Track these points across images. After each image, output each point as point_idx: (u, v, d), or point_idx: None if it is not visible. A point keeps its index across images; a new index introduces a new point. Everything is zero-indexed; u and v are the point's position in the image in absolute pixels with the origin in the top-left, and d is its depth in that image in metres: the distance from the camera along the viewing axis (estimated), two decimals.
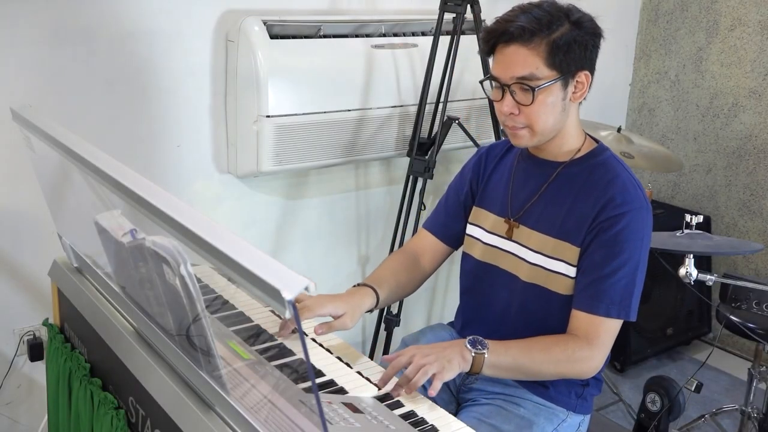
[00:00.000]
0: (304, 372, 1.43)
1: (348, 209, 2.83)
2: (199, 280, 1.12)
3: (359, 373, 1.47)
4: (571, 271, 1.56)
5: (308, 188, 2.70)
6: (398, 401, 1.37)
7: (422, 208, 2.57)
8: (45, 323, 1.79)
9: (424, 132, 2.61)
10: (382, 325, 2.68)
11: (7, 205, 2.15)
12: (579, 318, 1.53)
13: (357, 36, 2.49)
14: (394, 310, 2.65)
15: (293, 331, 1.57)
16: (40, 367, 2.23)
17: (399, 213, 2.66)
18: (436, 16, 2.49)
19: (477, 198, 1.76)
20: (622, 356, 3.21)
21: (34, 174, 1.68)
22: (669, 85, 3.56)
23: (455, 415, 1.45)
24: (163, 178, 2.36)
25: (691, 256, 2.17)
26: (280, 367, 1.44)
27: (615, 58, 3.59)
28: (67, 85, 2.15)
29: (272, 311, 1.69)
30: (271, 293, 0.83)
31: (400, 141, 2.66)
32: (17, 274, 2.21)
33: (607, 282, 1.50)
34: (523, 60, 1.47)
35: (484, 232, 1.71)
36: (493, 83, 1.54)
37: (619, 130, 2.73)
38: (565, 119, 1.56)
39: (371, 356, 2.73)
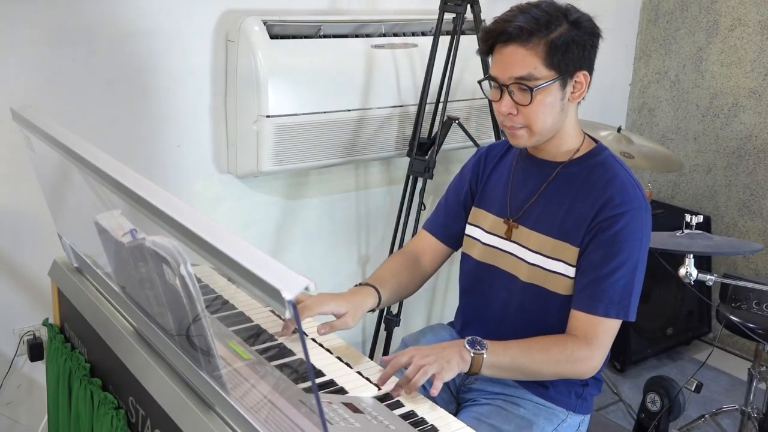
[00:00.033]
0: (304, 372, 1.43)
1: (348, 209, 2.83)
2: (199, 280, 1.12)
3: (359, 373, 1.47)
4: (570, 271, 1.56)
5: (308, 188, 2.70)
6: (398, 401, 1.37)
7: (422, 208, 2.57)
8: (45, 323, 1.79)
9: (424, 132, 2.61)
10: (382, 325, 2.68)
11: (7, 205, 2.15)
12: (578, 318, 1.53)
13: (357, 36, 2.49)
14: (394, 310, 2.65)
15: (294, 332, 1.57)
16: (40, 367, 2.23)
17: (399, 213, 2.66)
18: (436, 16, 2.49)
19: (476, 198, 1.76)
20: (622, 356, 3.21)
21: (34, 174, 1.68)
22: (669, 85, 3.56)
23: (455, 415, 1.45)
24: (163, 178, 2.36)
25: (691, 256, 2.17)
26: (280, 367, 1.44)
27: (615, 58, 3.59)
28: (67, 85, 2.15)
29: (272, 311, 1.69)
30: (271, 293, 0.83)
31: (400, 141, 2.66)
32: (17, 274, 2.21)
33: (606, 282, 1.51)
34: (521, 60, 1.47)
35: (483, 233, 1.71)
36: (492, 83, 1.54)
37: (619, 130, 2.73)
38: (564, 119, 1.56)
39: (371, 356, 2.73)
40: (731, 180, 3.37)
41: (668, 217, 3.33)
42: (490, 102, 1.60)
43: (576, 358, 1.51)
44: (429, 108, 2.58)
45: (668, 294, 3.27)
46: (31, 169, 1.69)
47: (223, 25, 2.36)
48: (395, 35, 2.60)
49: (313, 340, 1.60)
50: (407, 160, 2.63)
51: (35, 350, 2.25)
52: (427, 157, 2.57)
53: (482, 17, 2.50)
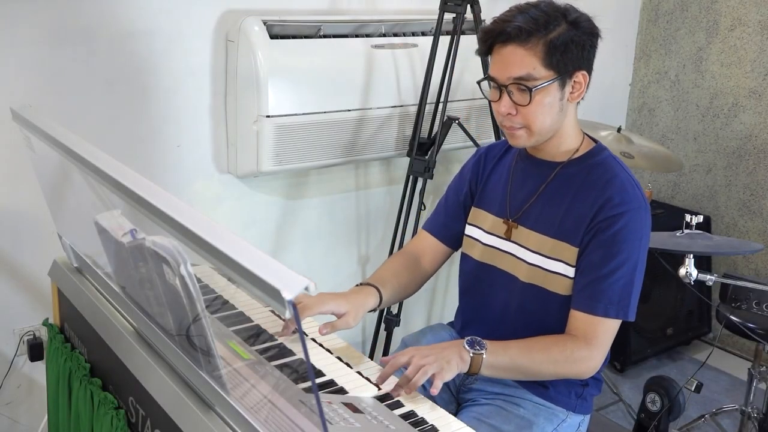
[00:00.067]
0: (304, 372, 1.43)
1: (348, 209, 2.83)
2: (199, 280, 1.12)
3: (359, 373, 1.47)
4: (570, 272, 1.56)
5: (308, 188, 2.70)
6: (398, 401, 1.37)
7: (422, 208, 2.57)
8: (45, 323, 1.79)
9: (424, 132, 2.61)
10: (382, 325, 2.68)
11: (7, 205, 2.15)
12: (577, 318, 1.53)
13: (357, 36, 2.49)
14: (394, 310, 2.65)
15: (294, 332, 1.57)
16: (40, 367, 2.23)
17: (399, 213, 2.66)
18: (436, 16, 2.49)
19: (476, 198, 1.75)
20: (622, 356, 3.21)
21: (34, 174, 1.68)
22: (669, 85, 3.56)
23: (455, 415, 1.45)
24: (163, 178, 2.36)
25: (691, 256, 2.17)
26: (280, 367, 1.44)
27: (615, 58, 3.59)
28: (67, 85, 2.15)
29: (272, 311, 1.69)
30: (271, 293, 0.83)
31: (400, 141, 2.66)
32: (17, 274, 2.21)
33: (605, 282, 1.50)
34: (520, 60, 1.47)
35: (482, 233, 1.71)
36: (491, 83, 1.54)
37: (619, 130, 2.73)
38: (563, 119, 1.56)
39: (371, 356, 2.73)
40: (731, 180, 3.37)
41: (668, 217, 3.33)
42: (489, 102, 1.60)
43: (575, 358, 1.51)
44: (429, 108, 2.58)
45: (668, 294, 3.27)
46: (31, 169, 1.69)
47: (223, 25, 2.36)
48: (395, 35, 2.60)
49: (313, 340, 1.60)
50: (407, 160, 2.63)
51: (35, 350, 2.25)
52: (427, 157, 2.57)
53: (482, 17, 2.50)
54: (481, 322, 1.72)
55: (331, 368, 1.48)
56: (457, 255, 1.82)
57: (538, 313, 1.61)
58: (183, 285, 1.05)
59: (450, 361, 1.41)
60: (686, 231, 2.31)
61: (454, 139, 2.67)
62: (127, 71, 2.24)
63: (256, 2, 2.40)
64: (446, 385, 1.62)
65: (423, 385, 1.39)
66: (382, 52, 2.52)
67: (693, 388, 2.43)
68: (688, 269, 2.17)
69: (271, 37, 2.29)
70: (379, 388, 1.41)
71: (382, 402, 1.36)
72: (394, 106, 2.60)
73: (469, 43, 2.54)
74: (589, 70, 1.54)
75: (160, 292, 1.17)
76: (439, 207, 1.84)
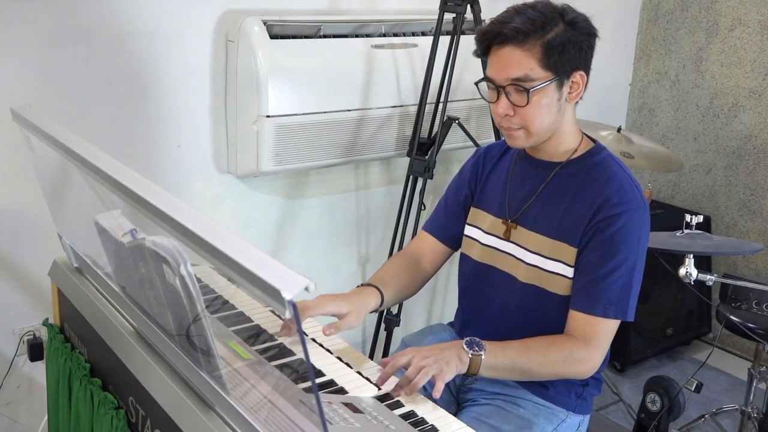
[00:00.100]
0: (304, 372, 1.43)
1: (348, 209, 2.83)
2: (199, 280, 1.12)
3: (359, 373, 1.47)
4: (569, 272, 1.56)
5: (308, 188, 2.70)
6: (398, 401, 1.37)
7: (422, 208, 2.57)
8: (45, 323, 1.79)
9: (424, 132, 2.61)
10: (382, 325, 2.68)
11: (7, 205, 2.15)
12: (576, 318, 1.53)
13: (357, 36, 2.49)
14: (394, 310, 2.65)
15: (294, 332, 1.57)
16: (40, 367, 2.23)
17: (399, 213, 2.66)
18: (436, 16, 2.49)
19: (475, 199, 1.75)
20: (622, 356, 3.21)
21: (34, 174, 1.68)
22: (669, 85, 3.56)
23: (455, 415, 1.45)
24: (163, 178, 2.36)
25: (691, 256, 2.17)
26: (280, 367, 1.44)
27: (615, 58, 3.59)
28: (67, 85, 2.15)
29: (272, 311, 1.69)
30: (271, 293, 0.83)
31: (400, 141, 2.66)
32: (17, 274, 2.21)
33: (604, 282, 1.50)
34: (517, 61, 1.47)
35: (482, 233, 1.71)
36: (489, 84, 1.54)
37: (619, 130, 2.73)
38: (561, 120, 1.56)
39: (371, 356, 2.73)
40: (731, 180, 3.37)
41: (668, 217, 3.33)
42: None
43: (574, 358, 1.51)
44: (429, 108, 2.58)
45: (668, 294, 3.27)
46: (31, 169, 1.69)
47: (223, 25, 2.36)
48: (395, 35, 2.60)
49: (313, 340, 1.60)
50: (407, 160, 2.63)
51: (35, 350, 2.25)
52: (427, 157, 2.57)
53: (482, 17, 2.50)
54: (480, 322, 1.72)
55: (331, 368, 1.48)
56: (457, 255, 1.82)
57: (538, 314, 1.61)
58: (183, 285, 1.05)
59: (449, 362, 1.41)
60: (686, 231, 2.31)
61: (454, 139, 2.67)
62: (127, 71, 2.24)
63: (256, 2, 2.40)
64: (446, 385, 1.61)
65: (424, 386, 1.39)
66: (382, 52, 2.52)
67: (693, 388, 2.43)
68: (688, 269, 2.17)
69: (271, 37, 2.29)
70: (379, 388, 1.41)
71: (382, 402, 1.36)
72: (394, 106, 2.60)
73: (469, 43, 2.52)
74: (587, 71, 1.54)
75: (160, 292, 1.17)
76: (439, 207, 1.84)
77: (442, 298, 3.16)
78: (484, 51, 1.53)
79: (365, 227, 2.90)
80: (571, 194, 1.57)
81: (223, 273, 1.19)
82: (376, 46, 2.51)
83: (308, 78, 2.37)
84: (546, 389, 1.63)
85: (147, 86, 2.28)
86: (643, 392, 2.41)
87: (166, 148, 2.37)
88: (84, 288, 1.60)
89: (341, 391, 1.40)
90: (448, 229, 1.79)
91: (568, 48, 1.47)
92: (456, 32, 2.46)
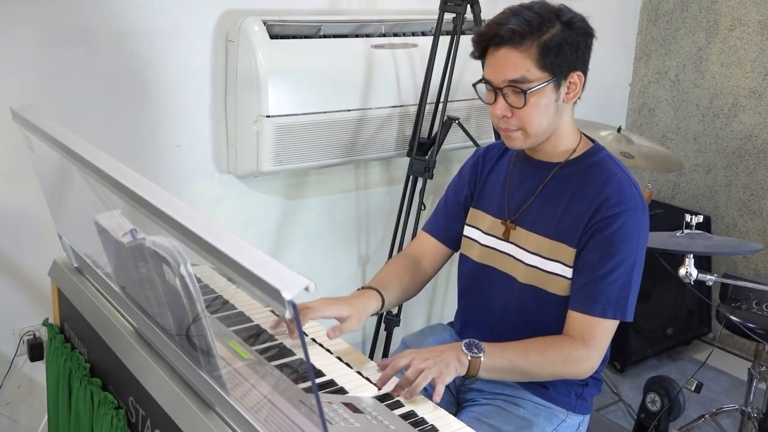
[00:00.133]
0: (304, 372, 1.43)
1: (348, 209, 2.83)
2: (199, 280, 1.12)
3: (359, 373, 1.47)
4: (568, 272, 1.56)
5: (308, 188, 2.70)
6: (398, 401, 1.37)
7: (422, 208, 2.57)
8: (45, 323, 1.79)
9: (424, 132, 2.61)
10: (382, 326, 2.68)
11: (7, 205, 2.15)
12: (575, 319, 1.53)
13: (357, 36, 2.49)
14: (394, 310, 2.65)
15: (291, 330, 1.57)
16: (40, 367, 2.23)
17: (399, 213, 2.66)
18: (436, 16, 2.49)
19: (474, 199, 1.75)
20: (622, 356, 3.21)
21: (34, 174, 1.68)
22: (669, 85, 3.56)
23: (455, 415, 1.45)
24: (163, 178, 2.36)
25: (691, 256, 2.17)
26: (280, 367, 1.44)
27: (615, 58, 3.59)
28: (67, 85, 2.15)
29: (272, 311, 1.69)
30: (271, 293, 0.83)
31: (400, 141, 2.66)
32: (17, 274, 2.21)
33: (603, 282, 1.50)
34: (514, 63, 1.47)
35: (481, 234, 1.71)
36: (486, 86, 1.54)
37: (619, 130, 2.73)
38: (559, 120, 1.56)
39: (371, 356, 2.73)
40: (731, 180, 3.37)
41: (668, 217, 3.33)
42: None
43: (573, 359, 1.51)
44: (429, 108, 2.58)
45: (668, 294, 3.27)
46: (31, 169, 1.69)
47: (223, 25, 2.36)
48: (395, 35, 2.60)
49: (313, 340, 1.60)
50: (407, 160, 2.63)
51: (35, 350, 2.25)
52: (427, 157, 2.57)
53: (482, 17, 2.50)
54: (480, 322, 1.72)
55: (331, 368, 1.48)
56: (457, 255, 1.82)
57: (537, 314, 1.61)
58: (183, 285, 1.05)
59: (449, 364, 1.41)
60: (686, 231, 2.31)
61: (454, 139, 2.67)
62: (127, 71, 2.24)
63: (256, 2, 2.40)
64: (446, 385, 1.62)
65: (425, 388, 1.39)
66: (382, 52, 2.52)
67: (693, 388, 2.43)
68: (688, 269, 2.17)
69: (271, 37, 2.28)
70: (379, 388, 1.41)
71: (382, 402, 1.36)
72: (394, 106, 2.60)
73: (469, 43, 2.53)
74: (585, 71, 1.54)
75: (160, 292, 1.17)
76: (439, 208, 1.84)
77: (442, 298, 3.16)
78: (480, 53, 1.53)
79: (365, 227, 2.90)
80: (569, 195, 1.57)
81: (223, 273, 1.19)
82: (376, 46, 2.51)
83: (308, 78, 2.37)
84: (546, 389, 1.63)
85: (147, 86, 2.28)
86: (643, 392, 2.41)
87: (166, 148, 2.37)
88: (84, 288, 1.60)
89: (341, 391, 1.40)
90: (449, 229, 1.79)
91: (565, 48, 1.47)
92: (456, 32, 2.46)
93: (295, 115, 2.35)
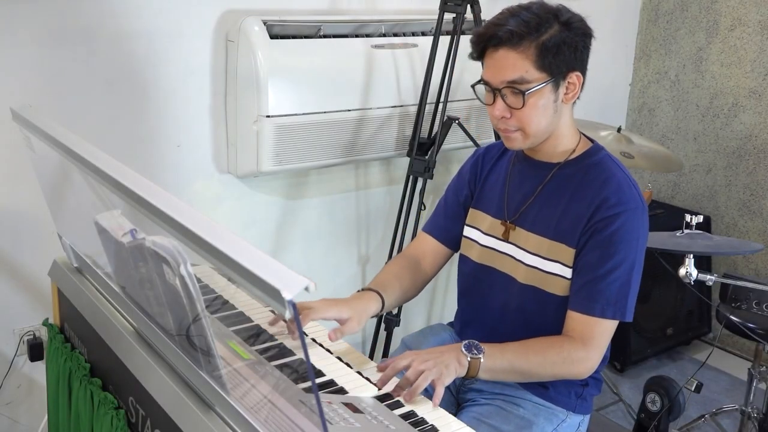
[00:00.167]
0: (304, 372, 1.43)
1: (348, 209, 2.83)
2: (199, 280, 1.12)
3: (359, 373, 1.47)
4: (567, 273, 1.56)
5: (308, 188, 2.70)
6: (398, 401, 1.37)
7: (422, 208, 2.57)
8: (45, 323, 1.79)
9: (424, 132, 2.61)
10: (382, 326, 2.68)
11: (7, 205, 2.15)
12: (574, 319, 1.53)
13: (357, 36, 2.49)
14: (394, 310, 2.65)
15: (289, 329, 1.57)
16: (40, 367, 2.23)
17: (399, 213, 2.66)
18: (436, 16, 2.49)
19: (474, 200, 1.75)
20: (622, 356, 3.21)
21: (34, 174, 1.68)
22: (669, 85, 3.56)
23: (455, 415, 1.45)
24: (163, 178, 2.36)
25: (691, 256, 2.17)
26: (280, 367, 1.44)
27: (615, 58, 3.59)
28: (67, 85, 2.15)
29: (272, 311, 1.69)
30: (271, 293, 0.83)
31: (400, 141, 2.66)
32: (17, 274, 2.21)
33: (602, 283, 1.50)
34: (512, 64, 1.47)
35: (480, 234, 1.71)
36: (485, 87, 1.54)
37: (619, 130, 2.73)
38: (558, 120, 1.56)
39: (371, 356, 2.73)
40: (731, 180, 3.37)
41: (668, 217, 3.33)
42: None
43: (573, 359, 1.51)
44: (429, 108, 2.58)
45: (668, 294, 3.27)
46: (31, 169, 1.69)
47: (223, 25, 2.36)
48: (395, 35, 2.60)
49: (313, 340, 1.60)
50: (407, 160, 2.63)
51: (35, 350, 2.25)
52: (427, 157, 2.57)
53: (482, 17, 2.50)
54: (480, 323, 1.72)
55: (331, 368, 1.48)
56: (457, 255, 1.82)
57: (537, 314, 1.61)
58: (183, 285, 1.05)
59: (449, 366, 1.41)
60: (686, 231, 2.31)
61: (454, 139, 2.67)
62: (127, 71, 2.24)
63: (256, 2, 2.40)
64: (446, 385, 1.62)
65: (426, 389, 1.39)
66: (382, 52, 2.52)
67: (693, 388, 2.43)
68: (688, 269, 2.17)
69: (271, 37, 2.29)
70: (379, 389, 1.41)
71: (382, 402, 1.36)
72: (394, 106, 2.60)
73: (469, 43, 2.54)
74: (583, 71, 1.54)
75: (160, 292, 1.17)
76: (439, 209, 1.84)
77: (442, 299, 3.16)
78: (479, 54, 1.53)
79: (365, 227, 2.90)
80: (569, 195, 1.57)
81: (223, 273, 1.19)
82: (376, 46, 2.51)
83: (308, 78, 2.37)
84: (546, 389, 1.63)
85: (147, 86, 2.28)
86: (643, 392, 2.41)
87: (166, 148, 2.37)
88: (84, 288, 1.60)
89: (341, 391, 1.40)
90: (449, 230, 1.79)
91: (563, 49, 1.47)
92: (456, 32, 2.46)
93: (295, 115, 2.35)
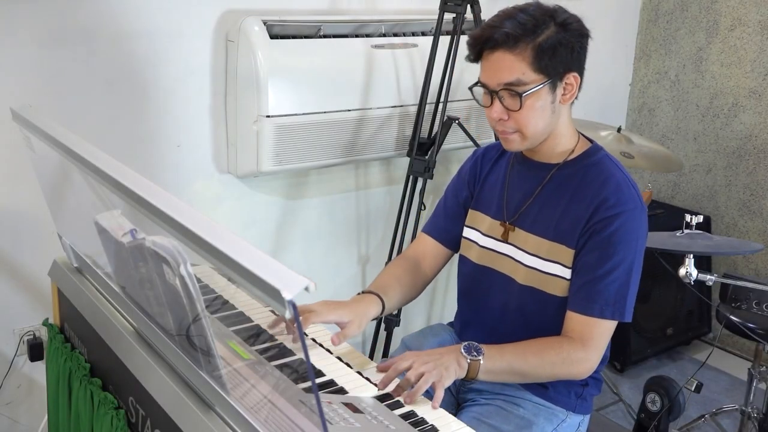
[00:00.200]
0: (304, 372, 1.43)
1: (348, 209, 2.83)
2: (199, 280, 1.12)
3: (359, 373, 1.47)
4: (567, 273, 1.55)
5: (308, 188, 2.70)
6: (398, 401, 1.37)
7: (422, 208, 2.57)
8: (45, 323, 1.79)
9: (424, 132, 2.61)
10: (382, 326, 2.68)
11: (7, 205, 2.15)
12: (573, 319, 1.53)
13: (357, 36, 2.49)
14: (394, 310, 2.65)
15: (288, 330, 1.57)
16: (40, 367, 2.23)
17: (399, 213, 2.66)
18: (436, 16, 2.49)
19: (473, 200, 1.75)
20: (622, 356, 3.21)
21: (34, 174, 1.68)
22: (669, 85, 3.56)
23: (455, 415, 1.45)
24: (163, 178, 2.36)
25: (691, 256, 2.17)
26: (280, 367, 1.44)
27: (615, 58, 3.59)
28: (67, 85, 2.15)
29: (272, 311, 1.69)
30: (271, 293, 0.83)
31: (400, 141, 2.66)
32: (17, 274, 2.21)
33: (601, 283, 1.50)
34: (509, 66, 1.47)
35: (480, 235, 1.71)
36: (483, 89, 1.54)
37: (619, 130, 2.73)
38: (556, 121, 1.55)
39: (371, 356, 2.73)
40: (731, 180, 3.37)
41: (668, 217, 3.33)
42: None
43: (572, 360, 1.51)
44: (429, 108, 2.58)
45: (668, 294, 3.27)
46: (31, 169, 1.69)
47: (223, 25, 2.36)
48: (395, 35, 2.60)
49: (313, 340, 1.60)
50: (407, 160, 2.63)
51: (35, 350, 2.25)
52: (427, 157, 2.57)
53: (482, 17, 2.50)
54: (480, 323, 1.72)
55: (331, 368, 1.48)
56: (457, 255, 1.82)
57: (537, 315, 1.61)
58: (183, 285, 1.05)
59: (449, 368, 1.41)
60: (686, 231, 2.31)
61: (454, 139, 2.67)
62: (127, 71, 2.24)
63: (256, 2, 2.40)
64: None
65: (426, 390, 1.39)
66: (382, 52, 2.52)
67: (693, 388, 2.43)
68: (688, 269, 2.17)
69: (271, 37, 2.29)
70: (380, 389, 1.41)
71: (382, 402, 1.36)
72: (394, 106, 2.60)
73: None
74: (581, 71, 1.53)
75: (160, 292, 1.17)
76: (438, 209, 1.84)
77: (442, 299, 3.16)
78: (475, 56, 1.53)
79: (365, 227, 2.90)
80: (568, 196, 1.57)
81: (223, 273, 1.19)
82: (376, 46, 2.51)
83: (308, 78, 2.37)
84: (546, 389, 1.63)
85: (147, 86, 2.28)
86: (643, 392, 2.41)
87: (166, 148, 2.37)
88: (84, 288, 1.60)
89: (341, 391, 1.40)
90: (449, 231, 1.79)
91: (560, 50, 1.47)
92: (456, 32, 2.46)
93: (295, 115, 2.35)
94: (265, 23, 2.28)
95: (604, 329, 1.53)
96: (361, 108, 2.50)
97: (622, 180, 1.55)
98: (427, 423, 1.32)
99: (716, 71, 3.36)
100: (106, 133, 2.24)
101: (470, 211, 1.75)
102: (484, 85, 1.52)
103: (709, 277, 2.17)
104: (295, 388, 1.29)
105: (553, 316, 1.58)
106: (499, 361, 1.48)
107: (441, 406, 1.37)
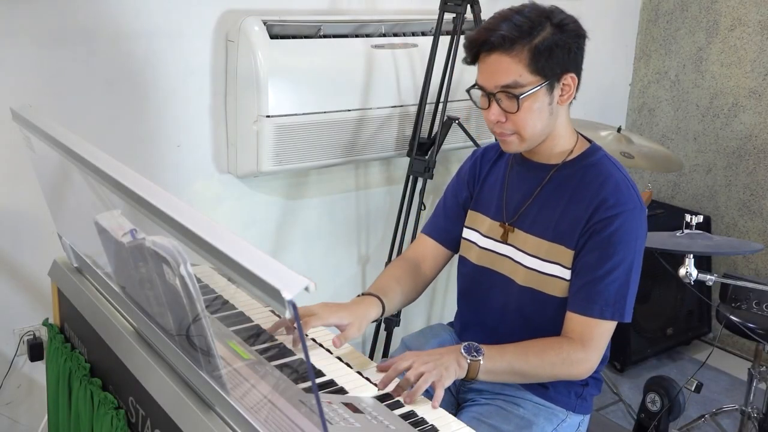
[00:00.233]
0: (304, 372, 1.43)
1: (348, 209, 2.83)
2: (199, 280, 1.12)
3: (359, 373, 1.47)
4: (566, 274, 1.55)
5: (308, 188, 2.70)
6: (398, 401, 1.37)
7: (422, 208, 2.57)
8: (45, 323, 1.79)
9: (424, 132, 2.61)
10: (382, 326, 2.68)
11: (7, 205, 2.15)
12: (573, 320, 1.53)
13: (357, 36, 2.49)
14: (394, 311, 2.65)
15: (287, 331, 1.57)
16: (40, 367, 2.23)
17: (399, 213, 2.66)
18: (436, 16, 2.49)
19: (473, 201, 1.75)
20: (622, 356, 3.21)
21: (34, 174, 1.68)
22: (669, 85, 3.56)
23: (455, 415, 1.45)
24: (163, 178, 2.37)
25: (691, 256, 2.17)
26: (280, 367, 1.44)
27: (615, 58, 3.59)
28: (67, 85, 2.15)
29: (272, 311, 1.69)
30: (271, 293, 0.83)
31: (400, 141, 2.66)
32: (17, 274, 2.21)
33: (601, 284, 1.50)
34: (505, 68, 1.46)
35: (479, 236, 1.71)
36: (480, 92, 1.54)
37: (619, 130, 2.73)
38: (554, 122, 1.55)
39: (371, 356, 2.73)
40: (731, 180, 3.38)
41: (668, 217, 3.33)
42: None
43: (572, 360, 1.51)
44: (429, 108, 2.58)
45: (668, 294, 3.27)
46: (31, 169, 1.69)
47: (223, 25, 2.36)
48: (395, 35, 2.60)
49: (313, 340, 1.60)
50: (407, 160, 2.63)
51: (35, 350, 2.25)
52: (427, 157, 2.57)
53: (482, 17, 2.50)
54: (480, 324, 1.72)
55: (331, 368, 1.48)
56: (457, 255, 1.82)
57: (537, 316, 1.61)
58: (183, 285, 1.05)
59: (449, 368, 1.41)
60: (686, 231, 2.31)
61: (454, 139, 2.67)
62: (127, 71, 2.24)
63: (256, 2, 2.40)
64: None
65: (426, 390, 1.39)
66: (382, 52, 2.52)
67: (693, 388, 2.43)
68: (688, 269, 2.17)
69: (271, 37, 2.29)
70: (380, 389, 1.41)
71: (382, 402, 1.36)
72: (394, 106, 2.60)
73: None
74: (578, 72, 1.53)
75: (160, 292, 1.17)
76: (438, 210, 1.83)
77: (442, 299, 3.16)
78: (472, 59, 1.53)
79: (365, 227, 2.90)
80: (567, 196, 1.57)
81: (223, 273, 1.19)
82: (376, 46, 2.51)
83: (308, 78, 2.37)
84: (546, 389, 1.63)
85: (147, 86, 2.28)
86: (643, 392, 2.41)
87: (166, 148, 2.37)
88: (84, 288, 1.60)
89: (341, 391, 1.40)
90: (449, 231, 1.79)
91: (556, 51, 1.47)
92: (456, 32, 2.46)
93: (295, 115, 2.35)
94: (265, 23, 2.28)
95: (604, 330, 1.53)
96: (361, 108, 2.50)
97: (621, 180, 1.55)
98: (427, 423, 1.32)
99: (716, 71, 3.36)
100: (106, 133, 2.24)
101: (470, 212, 1.75)
102: (481, 88, 1.52)
103: (709, 277, 2.17)
104: (295, 388, 1.29)
105: (553, 317, 1.58)
106: (499, 362, 1.48)
107: (441, 406, 1.37)
